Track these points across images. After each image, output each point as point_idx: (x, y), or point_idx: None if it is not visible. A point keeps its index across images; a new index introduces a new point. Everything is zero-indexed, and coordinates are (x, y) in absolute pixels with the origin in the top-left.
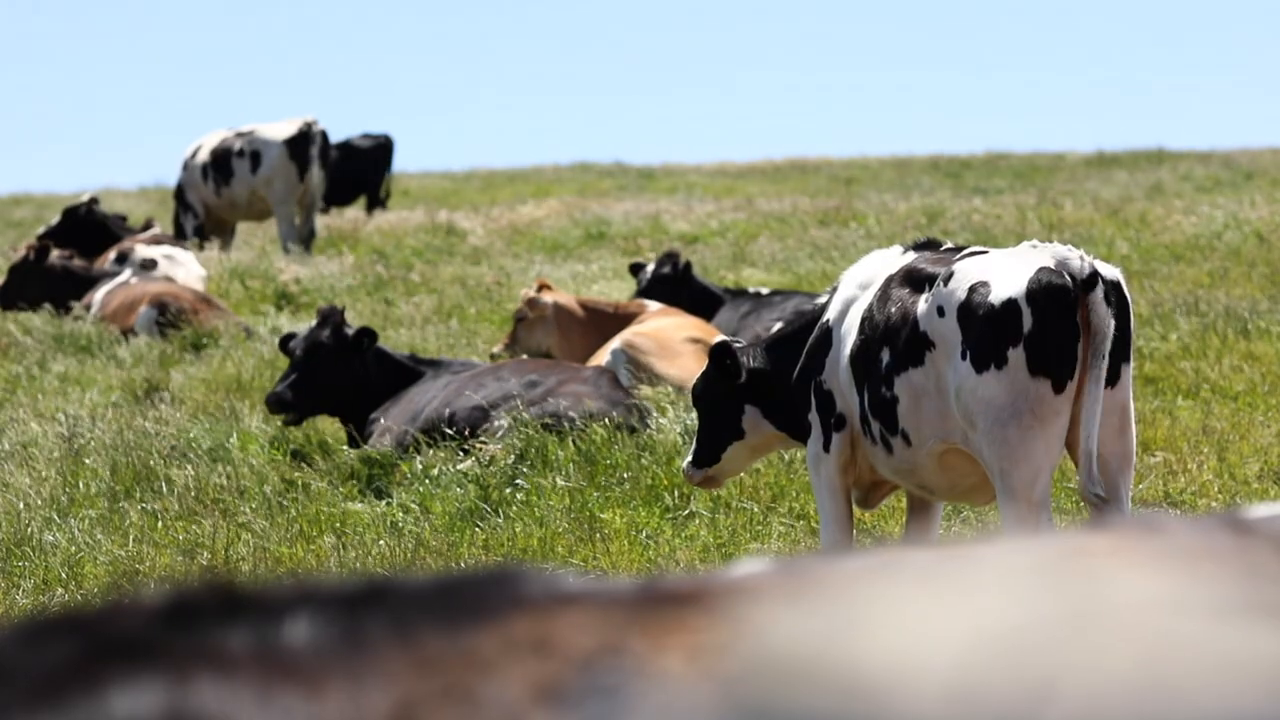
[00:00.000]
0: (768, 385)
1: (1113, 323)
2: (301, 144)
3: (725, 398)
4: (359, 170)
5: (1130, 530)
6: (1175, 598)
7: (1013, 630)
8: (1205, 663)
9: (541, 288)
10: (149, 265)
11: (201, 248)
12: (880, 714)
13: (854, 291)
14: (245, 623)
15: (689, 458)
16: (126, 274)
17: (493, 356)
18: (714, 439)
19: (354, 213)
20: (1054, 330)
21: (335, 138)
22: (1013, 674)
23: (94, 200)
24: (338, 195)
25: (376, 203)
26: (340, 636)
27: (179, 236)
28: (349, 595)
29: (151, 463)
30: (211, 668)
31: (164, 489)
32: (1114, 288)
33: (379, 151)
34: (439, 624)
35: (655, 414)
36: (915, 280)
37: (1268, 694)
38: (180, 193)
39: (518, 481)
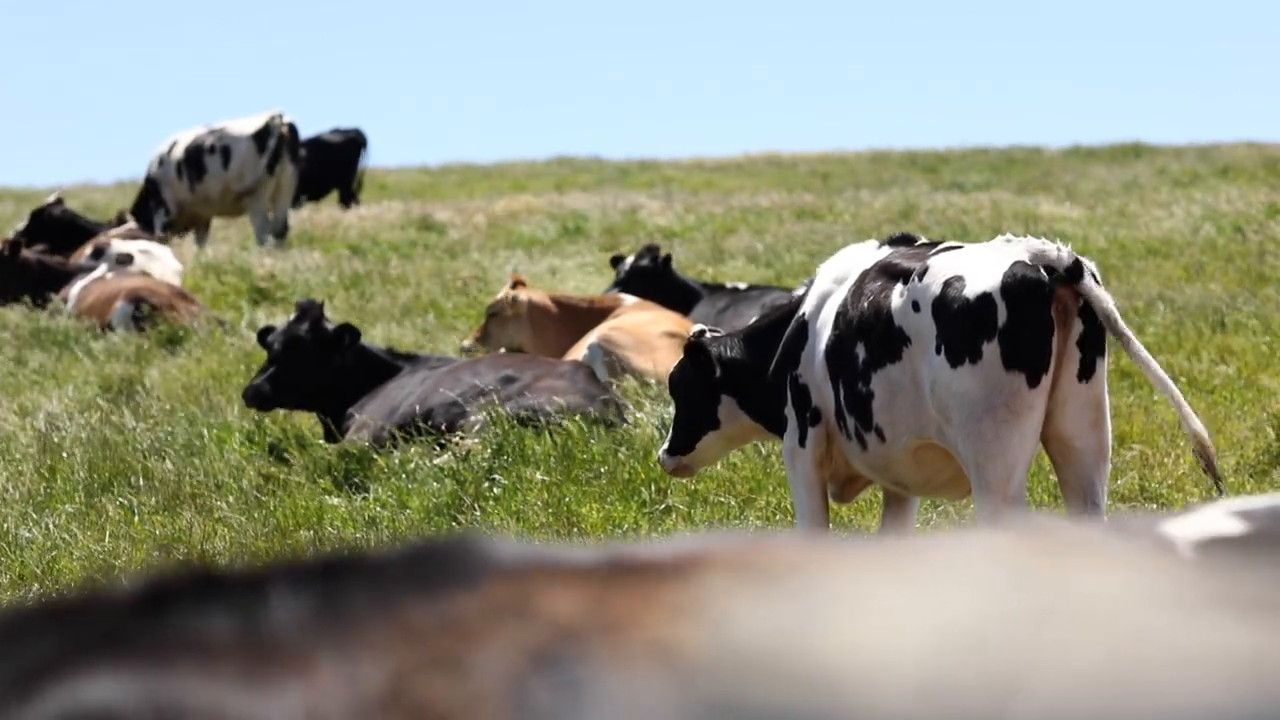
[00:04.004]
0: (743, 376)
1: (1111, 299)
2: (268, 138)
3: (701, 388)
4: (330, 165)
5: (1093, 525)
6: (1141, 592)
7: (979, 624)
8: (1171, 657)
9: (516, 284)
10: (125, 260)
11: (166, 243)
12: (846, 708)
13: (829, 286)
14: (224, 605)
15: (664, 445)
16: (102, 269)
17: (464, 351)
18: (690, 428)
19: (330, 208)
20: (1028, 324)
21: (315, 131)
22: (979, 668)
23: (59, 199)
24: (309, 190)
25: (349, 197)
26: (320, 611)
27: (146, 227)
28: (323, 569)
29: (128, 458)
30: (192, 655)
31: (141, 484)
32: None
33: (350, 146)
34: (417, 591)
35: (632, 409)
36: (891, 275)
37: (1233, 689)
38: (154, 186)
39: (494, 476)
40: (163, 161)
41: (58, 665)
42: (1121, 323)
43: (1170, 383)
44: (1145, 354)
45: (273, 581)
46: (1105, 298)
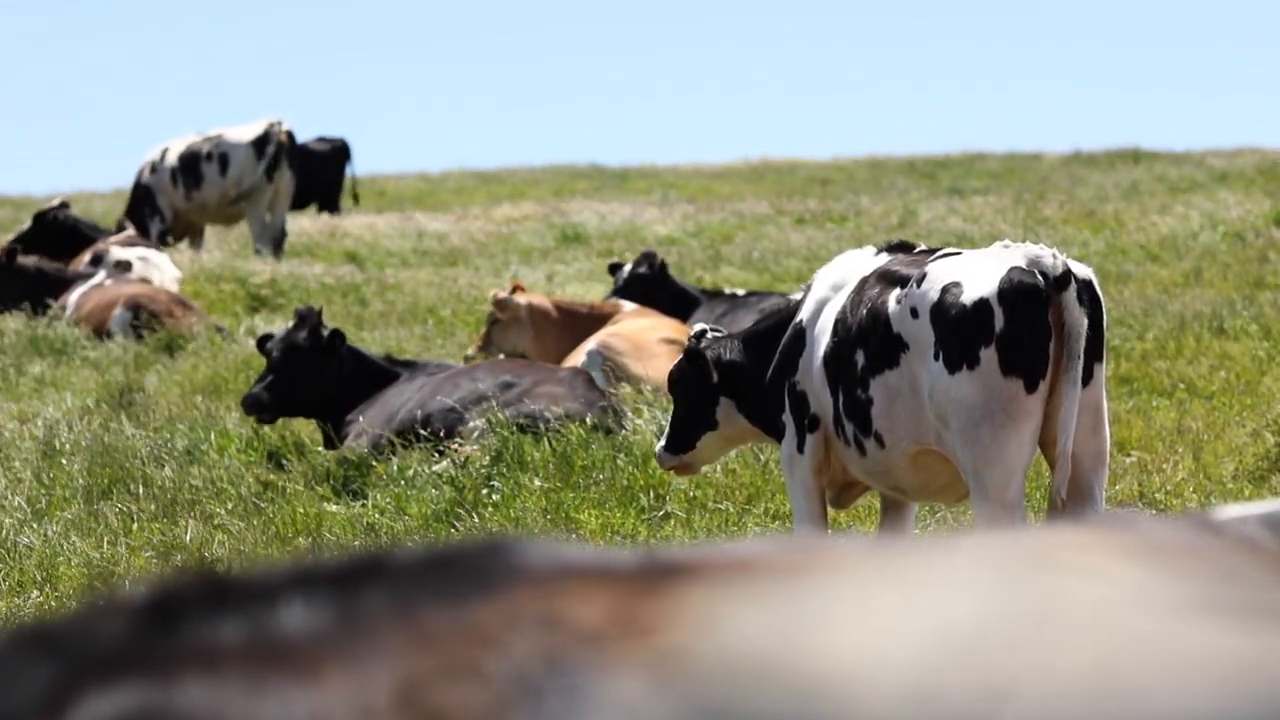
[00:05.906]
0: (742, 380)
1: (1085, 322)
2: (266, 145)
3: (700, 389)
4: (316, 174)
5: (1092, 528)
6: (1135, 595)
7: (972, 629)
8: (1163, 662)
9: (515, 289)
10: (124, 267)
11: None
12: (837, 715)
13: (827, 292)
14: (234, 613)
15: (662, 442)
16: (101, 276)
17: (467, 359)
18: (688, 428)
19: (327, 216)
20: (1026, 330)
21: (307, 139)
22: (971, 674)
23: (64, 204)
24: (295, 199)
25: (335, 206)
26: (336, 617)
27: (141, 234)
28: (342, 573)
29: (127, 464)
30: (197, 665)
31: (140, 490)
32: (1086, 286)
33: (337, 155)
34: (439, 598)
35: (630, 415)
36: (889, 282)
37: (1224, 694)
38: (147, 193)
39: (493, 482)
40: (155, 169)
41: (59, 695)
42: (1079, 348)
43: (1071, 429)
44: (1077, 388)
45: (286, 588)
46: (1079, 319)
